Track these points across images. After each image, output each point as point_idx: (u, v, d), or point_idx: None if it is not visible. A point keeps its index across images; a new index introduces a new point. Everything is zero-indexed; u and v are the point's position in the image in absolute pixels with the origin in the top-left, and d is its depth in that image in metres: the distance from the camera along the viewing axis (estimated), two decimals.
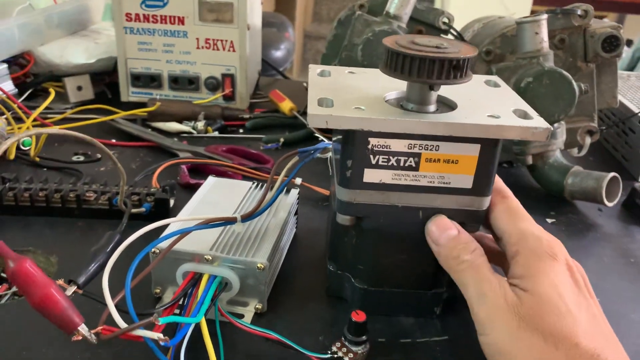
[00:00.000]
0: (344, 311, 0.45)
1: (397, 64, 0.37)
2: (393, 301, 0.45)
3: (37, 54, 0.81)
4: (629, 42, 3.07)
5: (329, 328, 0.44)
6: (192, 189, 0.62)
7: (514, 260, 0.38)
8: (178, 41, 0.78)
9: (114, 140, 0.72)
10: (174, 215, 0.51)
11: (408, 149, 0.39)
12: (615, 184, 0.62)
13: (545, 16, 0.62)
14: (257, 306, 0.45)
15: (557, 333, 0.34)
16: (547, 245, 0.38)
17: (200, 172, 0.66)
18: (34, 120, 0.72)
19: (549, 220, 0.62)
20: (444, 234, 0.40)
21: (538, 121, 0.39)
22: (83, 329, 0.35)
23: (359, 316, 0.40)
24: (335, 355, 0.40)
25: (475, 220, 0.42)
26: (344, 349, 0.40)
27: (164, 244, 0.42)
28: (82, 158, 0.67)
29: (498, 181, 0.44)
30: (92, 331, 0.36)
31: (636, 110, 0.74)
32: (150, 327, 0.36)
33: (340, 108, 0.38)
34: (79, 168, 0.64)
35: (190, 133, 0.76)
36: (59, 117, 0.77)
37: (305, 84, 1.00)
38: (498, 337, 0.36)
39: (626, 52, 2.44)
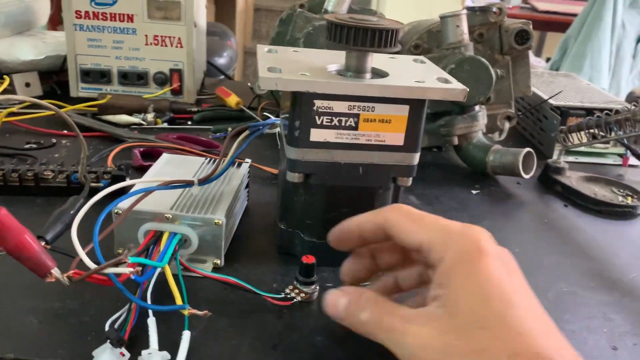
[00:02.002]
0: (294, 264, 0.49)
1: (338, 34, 0.43)
2: (338, 252, 0.50)
3: None
4: (548, 59, 3.29)
5: (282, 277, 0.48)
6: (145, 171, 0.65)
7: (439, 269, 0.34)
8: (127, 38, 0.81)
9: (65, 131, 0.74)
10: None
11: (348, 110, 0.44)
12: (530, 159, 0.70)
13: (464, 11, 0.70)
14: (215, 261, 0.48)
15: (492, 347, 0.30)
16: (472, 240, 0.34)
17: (153, 157, 0.69)
18: None
19: (474, 192, 0.69)
20: (339, 309, 0.38)
21: (456, 84, 0.45)
22: (56, 271, 0.38)
23: (308, 259, 0.45)
24: (289, 296, 0.45)
25: (407, 174, 0.47)
26: (296, 290, 0.45)
27: (125, 204, 0.46)
28: (34, 146, 0.69)
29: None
30: (64, 274, 0.39)
31: (546, 97, 0.83)
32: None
33: (288, 74, 0.43)
34: (33, 154, 0.66)
35: (140, 124, 0.79)
36: (6, 111, 0.78)
37: (249, 84, 1.05)
38: None
39: (544, 67, 2.64)
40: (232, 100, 0.87)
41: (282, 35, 0.81)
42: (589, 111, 0.82)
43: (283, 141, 0.51)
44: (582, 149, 0.80)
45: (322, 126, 0.45)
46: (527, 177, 0.69)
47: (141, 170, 0.65)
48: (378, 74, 0.48)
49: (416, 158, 0.47)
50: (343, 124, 0.45)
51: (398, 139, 0.46)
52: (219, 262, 0.49)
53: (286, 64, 0.46)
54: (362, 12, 0.83)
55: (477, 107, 0.72)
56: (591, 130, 0.71)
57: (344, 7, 0.77)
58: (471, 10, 0.75)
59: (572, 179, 0.72)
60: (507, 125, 0.79)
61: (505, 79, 0.77)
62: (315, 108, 0.44)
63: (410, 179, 0.48)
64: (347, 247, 0.43)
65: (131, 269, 0.38)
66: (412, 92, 0.44)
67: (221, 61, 1.58)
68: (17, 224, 0.38)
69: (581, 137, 0.73)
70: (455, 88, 0.44)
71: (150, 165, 0.65)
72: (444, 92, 0.44)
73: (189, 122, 0.83)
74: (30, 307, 0.42)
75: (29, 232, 0.39)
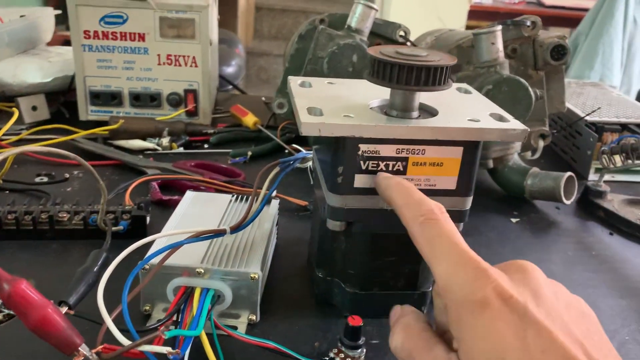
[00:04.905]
0: (335, 316, 0.46)
1: (384, 72, 0.39)
2: (382, 303, 0.46)
3: None
4: None
5: (323, 334, 0.44)
6: (165, 205, 0.61)
7: (449, 312, 0.30)
8: (139, 58, 0.77)
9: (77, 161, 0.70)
10: (152, 233, 0.50)
11: (396, 153, 0.40)
12: (571, 184, 0.66)
13: (500, 27, 0.66)
14: (250, 317, 0.45)
15: None
16: (473, 290, 0.29)
17: (171, 188, 0.65)
18: None
19: (514, 220, 0.65)
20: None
21: (515, 123, 0.41)
22: (84, 348, 0.35)
23: (355, 321, 0.41)
24: None
25: (458, 219, 0.43)
26: (342, 355, 0.41)
27: (155, 260, 0.42)
28: (45, 179, 0.65)
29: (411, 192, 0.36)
30: (93, 351, 0.35)
31: (582, 114, 0.79)
32: (150, 342, 0.36)
33: (330, 116, 0.39)
34: (44, 189, 0.62)
35: (155, 150, 0.75)
36: (15, 138, 0.74)
37: (263, 99, 1.01)
38: None
39: None
40: (249, 120, 0.83)
41: (302, 52, 0.77)
42: (625, 126, 0.79)
43: (317, 177, 0.47)
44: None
45: (367, 171, 0.41)
46: (568, 203, 0.65)
47: (160, 205, 0.61)
48: (425, 110, 0.44)
49: (469, 202, 0.43)
50: (390, 168, 0.41)
51: (450, 182, 0.42)
52: (254, 317, 0.45)
53: (325, 102, 0.42)
54: (385, 26, 0.79)
55: None
56: (636, 151, 0.67)
57: (368, 23, 0.73)
58: (504, 24, 0.70)
59: (614, 202, 0.68)
60: (541, 143, 0.74)
61: (540, 96, 0.73)
62: (360, 153, 0.40)
63: (462, 224, 0.44)
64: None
65: (169, 349, 0.34)
66: (468, 134, 0.40)
67: (229, 70, 1.54)
68: (40, 297, 0.34)
69: (623, 158, 0.69)
70: (514, 129, 0.40)
71: (169, 200, 0.61)
72: (502, 132, 0.40)
73: (206, 145, 0.79)
74: None
75: (52, 305, 0.35)
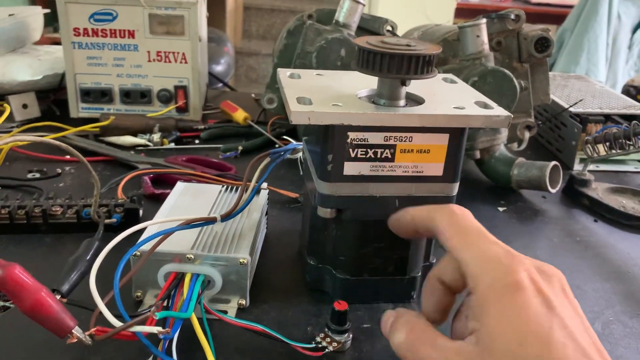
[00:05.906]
0: (327, 302, 0.47)
1: (371, 62, 0.40)
2: (373, 288, 0.47)
3: None
4: None
5: (316, 319, 0.45)
6: (157, 199, 0.62)
7: (474, 297, 0.31)
8: (129, 55, 0.77)
9: (68, 157, 0.70)
10: None
11: (384, 141, 0.41)
12: (556, 173, 0.68)
13: (484, 20, 0.67)
14: (240, 302, 0.45)
15: None
16: (508, 271, 0.30)
17: (163, 182, 0.66)
18: None
19: (501, 209, 0.66)
20: (386, 329, 0.36)
21: (499, 110, 0.42)
22: (77, 330, 0.35)
23: (341, 305, 0.41)
24: (320, 345, 0.42)
25: None
26: (328, 339, 0.42)
27: (145, 247, 0.43)
28: (37, 175, 0.65)
29: None
30: (86, 333, 0.36)
31: (566, 106, 0.81)
32: (143, 324, 0.36)
33: (320, 105, 0.40)
34: (37, 185, 0.62)
35: (146, 146, 0.75)
36: (6, 135, 0.74)
37: (253, 95, 1.02)
38: None
39: None
40: (240, 115, 0.84)
41: (291, 48, 0.78)
42: (608, 117, 0.80)
43: (309, 168, 0.48)
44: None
45: (356, 159, 0.42)
46: (553, 191, 0.67)
47: (153, 199, 0.62)
48: (412, 99, 0.45)
49: (456, 188, 0.44)
50: (379, 155, 0.42)
51: (437, 169, 0.43)
52: (244, 302, 0.45)
53: (314, 93, 0.43)
54: (372, 21, 0.80)
55: None
56: (619, 141, 0.68)
57: (355, 18, 0.74)
58: (489, 17, 0.72)
59: (599, 190, 0.70)
60: (527, 135, 0.76)
61: (525, 87, 0.74)
62: (349, 140, 0.41)
63: None
64: (404, 235, 0.41)
65: (160, 329, 0.34)
66: (454, 121, 0.41)
67: (219, 68, 1.54)
68: (33, 281, 0.35)
69: (607, 147, 0.70)
70: (498, 115, 0.41)
71: (161, 193, 0.62)
72: (486, 119, 0.41)
73: (197, 141, 0.79)
74: None
75: (45, 289, 0.36)
